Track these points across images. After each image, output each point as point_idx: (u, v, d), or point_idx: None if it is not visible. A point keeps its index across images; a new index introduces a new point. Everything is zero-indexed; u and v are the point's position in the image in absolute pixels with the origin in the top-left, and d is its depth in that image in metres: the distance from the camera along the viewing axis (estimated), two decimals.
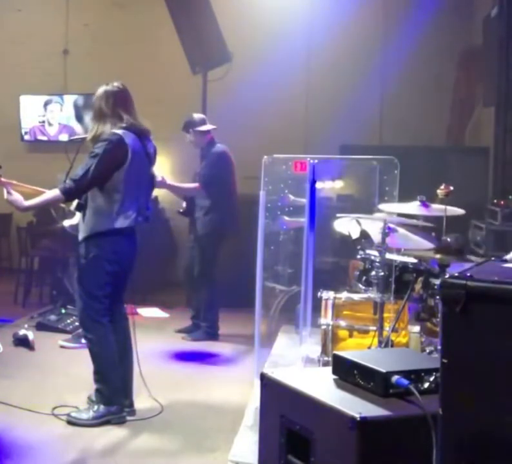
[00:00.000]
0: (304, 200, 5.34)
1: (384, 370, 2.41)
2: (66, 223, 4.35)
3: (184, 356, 5.52)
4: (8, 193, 3.96)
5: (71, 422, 3.94)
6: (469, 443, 1.89)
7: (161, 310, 7.09)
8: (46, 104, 9.21)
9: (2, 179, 3.99)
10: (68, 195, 3.91)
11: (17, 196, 3.96)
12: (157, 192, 5.40)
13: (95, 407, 3.96)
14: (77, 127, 9.02)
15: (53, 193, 3.93)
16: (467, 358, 1.88)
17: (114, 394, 4.01)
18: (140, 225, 4.09)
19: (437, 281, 3.62)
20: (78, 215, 4.11)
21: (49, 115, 9.25)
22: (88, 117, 4.28)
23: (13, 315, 6.54)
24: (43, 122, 9.26)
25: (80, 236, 4.01)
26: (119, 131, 3.94)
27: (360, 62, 8.36)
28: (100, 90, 4.05)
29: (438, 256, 3.58)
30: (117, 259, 4.02)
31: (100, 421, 3.93)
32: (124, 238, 4.02)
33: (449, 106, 8.51)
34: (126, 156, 3.92)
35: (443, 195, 3.63)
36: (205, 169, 5.98)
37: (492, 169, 7.30)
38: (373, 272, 3.93)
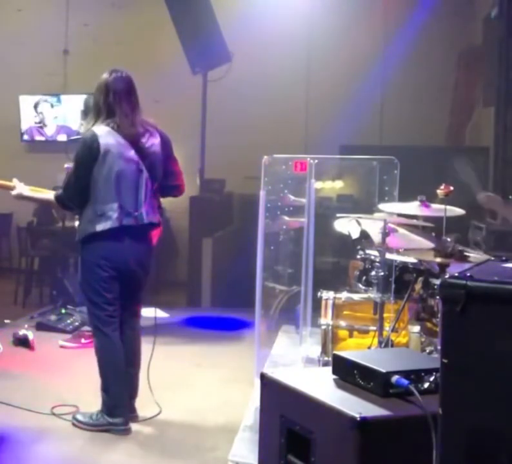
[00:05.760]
0: (304, 200, 5.35)
1: (384, 370, 2.41)
2: (77, 223, 4.32)
3: (184, 356, 5.52)
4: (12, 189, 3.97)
5: (74, 424, 3.91)
6: (469, 443, 1.89)
7: (161, 310, 7.09)
8: (45, 103, 9.21)
9: None
10: (59, 202, 3.89)
11: (20, 189, 3.98)
12: None
13: (98, 415, 3.87)
14: (76, 127, 9.03)
15: (52, 196, 3.95)
16: (467, 358, 1.88)
17: (114, 404, 3.84)
18: (134, 227, 3.77)
19: (437, 281, 3.62)
20: None
21: (47, 115, 9.25)
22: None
23: (13, 315, 6.54)
24: (41, 122, 9.25)
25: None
26: (97, 129, 3.70)
27: (360, 62, 8.36)
28: (99, 81, 3.79)
29: (438, 259, 3.57)
30: (109, 265, 3.77)
31: (99, 429, 3.83)
32: (113, 242, 3.74)
33: (449, 105, 8.51)
34: (97, 154, 3.66)
35: (443, 195, 3.62)
36: None
37: (492, 169, 7.30)
38: (373, 272, 3.92)
